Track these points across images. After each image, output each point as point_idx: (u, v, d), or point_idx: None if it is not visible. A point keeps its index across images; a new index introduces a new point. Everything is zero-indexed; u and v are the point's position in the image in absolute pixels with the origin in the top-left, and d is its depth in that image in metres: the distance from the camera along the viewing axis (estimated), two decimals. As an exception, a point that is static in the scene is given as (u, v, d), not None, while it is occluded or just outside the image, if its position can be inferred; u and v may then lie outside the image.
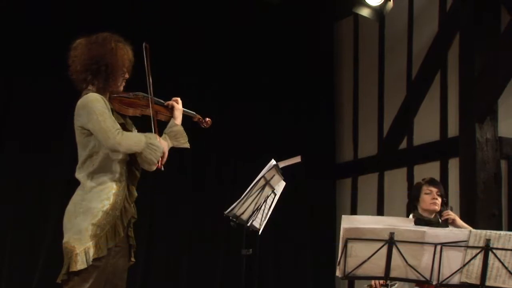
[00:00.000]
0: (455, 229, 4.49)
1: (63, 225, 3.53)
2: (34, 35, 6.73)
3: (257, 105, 7.97)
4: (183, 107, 3.86)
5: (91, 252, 3.41)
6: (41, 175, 6.72)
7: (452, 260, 3.86)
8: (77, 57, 3.58)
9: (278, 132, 7.99)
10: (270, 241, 7.64)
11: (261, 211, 4.54)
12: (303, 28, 8.31)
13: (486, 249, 3.82)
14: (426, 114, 7.52)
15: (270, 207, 4.63)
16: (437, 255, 3.84)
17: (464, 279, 3.86)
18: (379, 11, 7.16)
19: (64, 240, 3.49)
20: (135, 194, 3.63)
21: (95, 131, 3.46)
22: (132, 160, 3.62)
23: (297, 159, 4.52)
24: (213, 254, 7.49)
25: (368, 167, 8.21)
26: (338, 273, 3.93)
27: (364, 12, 7.16)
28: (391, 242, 3.83)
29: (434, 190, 4.97)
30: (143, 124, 3.76)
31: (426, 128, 7.50)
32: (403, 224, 3.97)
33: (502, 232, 3.87)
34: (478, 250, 3.83)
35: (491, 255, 3.82)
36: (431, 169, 7.25)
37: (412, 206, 5.11)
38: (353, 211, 8.29)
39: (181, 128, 3.81)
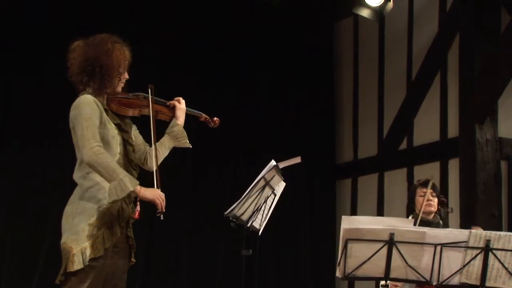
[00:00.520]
0: (455, 229, 4.48)
1: (61, 226, 3.53)
2: (34, 35, 6.74)
3: (257, 105, 7.97)
4: (187, 107, 3.86)
5: (88, 252, 3.41)
6: (41, 175, 6.72)
7: (452, 260, 3.86)
8: (75, 59, 3.59)
9: (278, 132, 7.99)
10: (270, 242, 7.64)
11: (261, 211, 4.54)
12: (303, 28, 8.31)
13: (486, 249, 3.81)
14: (426, 115, 7.52)
15: (270, 207, 4.62)
16: (437, 256, 3.83)
17: (464, 280, 3.86)
18: (379, 12, 7.16)
19: (62, 240, 3.49)
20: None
21: (77, 135, 3.47)
22: (129, 161, 3.61)
23: (297, 160, 4.52)
24: (213, 254, 7.49)
25: (368, 168, 8.21)
26: (338, 273, 3.93)
27: (364, 12, 7.16)
28: (391, 242, 3.82)
29: (428, 191, 4.95)
30: (143, 124, 3.77)
31: (426, 129, 7.50)
32: (403, 225, 3.97)
33: (502, 233, 3.87)
34: (478, 251, 3.82)
35: (491, 256, 3.82)
36: (431, 170, 7.25)
37: (410, 208, 5.11)
38: (353, 212, 8.29)
39: (182, 128, 3.81)
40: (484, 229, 4.26)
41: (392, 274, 3.87)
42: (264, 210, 4.56)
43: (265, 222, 4.67)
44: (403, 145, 7.80)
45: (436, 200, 4.97)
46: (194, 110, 3.94)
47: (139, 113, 3.70)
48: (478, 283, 3.83)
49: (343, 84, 8.71)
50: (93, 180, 3.50)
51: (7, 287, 6.44)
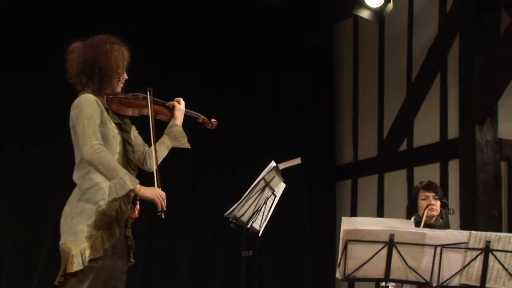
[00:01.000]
0: (455, 231, 4.48)
1: (60, 227, 3.53)
2: (34, 35, 6.73)
3: (257, 106, 7.97)
4: (186, 108, 3.86)
5: (87, 253, 3.41)
6: (41, 175, 6.72)
7: (452, 262, 3.86)
8: (73, 61, 3.59)
9: (278, 132, 7.99)
10: (270, 243, 7.64)
11: (261, 212, 4.54)
12: (303, 29, 8.30)
13: (486, 251, 3.81)
14: (426, 116, 7.52)
15: (270, 208, 4.62)
16: (437, 257, 3.83)
17: (464, 281, 3.86)
18: (379, 13, 7.15)
19: (61, 241, 3.49)
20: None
21: (78, 133, 3.46)
22: (128, 160, 3.61)
23: (297, 161, 4.51)
24: (213, 254, 7.49)
25: (368, 169, 8.21)
26: (338, 274, 3.93)
27: (364, 14, 7.15)
28: (391, 243, 3.82)
29: (431, 195, 4.92)
30: (142, 125, 3.76)
31: (426, 130, 7.49)
32: (403, 226, 3.97)
33: (502, 234, 3.87)
34: (478, 252, 3.82)
35: (491, 257, 3.82)
36: (431, 171, 7.25)
37: (413, 210, 5.08)
38: (353, 213, 8.28)
39: (181, 128, 3.82)
40: (484, 230, 4.26)
41: (392, 275, 3.88)
42: (264, 211, 4.56)
43: (265, 223, 4.67)
44: (403, 146, 7.79)
45: (438, 203, 4.94)
46: (192, 111, 3.95)
47: (139, 113, 3.71)
48: (478, 284, 3.83)
49: (343, 85, 8.71)
50: (92, 181, 3.49)
51: (7, 287, 6.43)
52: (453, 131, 7.12)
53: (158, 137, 3.77)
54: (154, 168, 3.61)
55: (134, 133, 3.77)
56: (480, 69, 6.63)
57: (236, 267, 7.01)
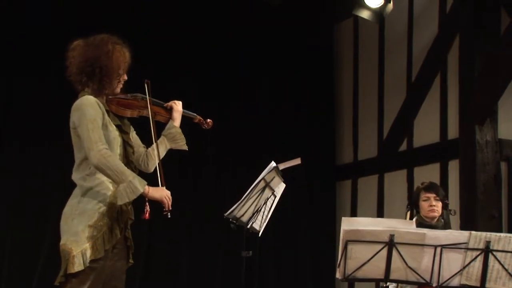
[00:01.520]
0: (455, 231, 4.48)
1: (60, 227, 3.51)
2: (34, 35, 6.73)
3: (257, 106, 7.97)
4: (183, 108, 3.86)
5: (88, 253, 3.40)
6: (41, 175, 6.72)
7: (452, 262, 3.86)
8: (74, 59, 3.57)
9: (278, 132, 7.99)
10: (270, 243, 7.64)
11: (261, 213, 4.54)
12: (303, 29, 8.31)
13: (486, 251, 3.82)
14: (426, 116, 7.52)
15: (270, 209, 4.62)
16: (437, 257, 3.83)
17: (464, 281, 3.86)
18: (379, 13, 7.16)
19: (61, 242, 3.47)
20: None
21: (82, 137, 3.44)
22: (128, 161, 3.61)
23: (297, 161, 4.51)
24: (213, 255, 7.49)
25: (368, 169, 8.21)
26: (338, 275, 3.93)
27: (364, 14, 7.16)
28: (391, 244, 3.82)
29: (432, 196, 4.91)
30: (141, 125, 3.76)
31: (426, 130, 7.50)
32: (403, 226, 3.97)
33: (502, 234, 3.87)
34: (478, 252, 3.82)
35: (491, 257, 3.82)
36: (431, 171, 7.25)
37: (415, 211, 5.07)
38: (353, 213, 8.29)
39: (179, 130, 3.81)
40: (484, 230, 4.26)
41: (392, 276, 3.88)
42: (264, 212, 4.56)
43: (265, 224, 4.67)
44: (403, 146, 7.80)
45: (440, 204, 4.93)
46: (188, 112, 3.94)
47: (138, 114, 3.70)
48: (478, 284, 3.84)
49: (343, 85, 8.71)
50: (93, 182, 3.49)
51: (7, 287, 6.44)
52: (453, 131, 7.12)
53: (157, 137, 3.77)
54: (157, 168, 3.62)
55: (133, 134, 3.76)
56: (480, 69, 6.63)
57: (236, 267, 7.01)
